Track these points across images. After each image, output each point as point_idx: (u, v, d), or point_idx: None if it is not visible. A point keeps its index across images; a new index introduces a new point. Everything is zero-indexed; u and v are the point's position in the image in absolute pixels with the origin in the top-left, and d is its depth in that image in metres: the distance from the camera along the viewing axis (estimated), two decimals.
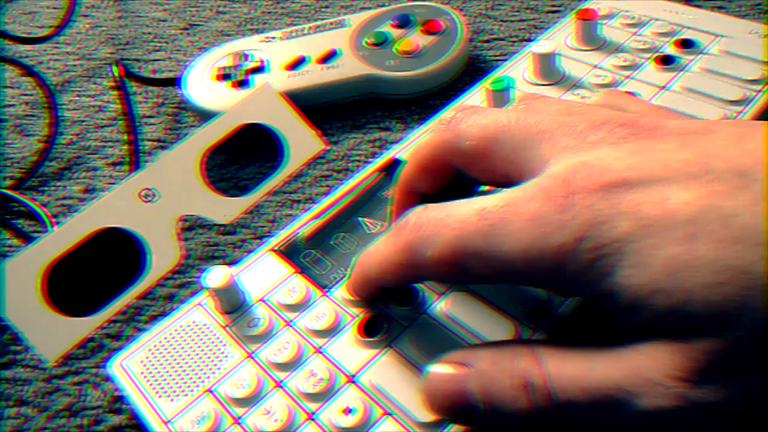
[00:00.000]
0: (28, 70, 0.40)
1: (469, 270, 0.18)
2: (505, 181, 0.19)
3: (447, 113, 0.21)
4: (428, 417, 0.20)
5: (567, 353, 0.17)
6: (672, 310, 0.15)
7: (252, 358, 0.23)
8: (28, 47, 0.47)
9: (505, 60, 0.34)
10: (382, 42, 0.37)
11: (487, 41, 0.40)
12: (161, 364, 0.23)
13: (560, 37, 0.34)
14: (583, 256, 0.16)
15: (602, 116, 0.19)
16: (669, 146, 0.17)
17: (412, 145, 0.30)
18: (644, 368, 0.16)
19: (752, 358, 0.15)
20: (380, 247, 0.21)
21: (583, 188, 0.17)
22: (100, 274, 0.25)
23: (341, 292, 0.24)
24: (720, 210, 0.15)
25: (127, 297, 0.24)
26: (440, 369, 0.19)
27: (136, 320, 0.28)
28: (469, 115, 0.21)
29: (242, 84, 0.36)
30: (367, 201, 0.27)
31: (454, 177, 0.22)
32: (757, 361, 0.15)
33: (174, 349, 0.23)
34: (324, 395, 0.21)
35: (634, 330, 0.17)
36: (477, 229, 0.18)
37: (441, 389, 0.19)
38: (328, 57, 0.37)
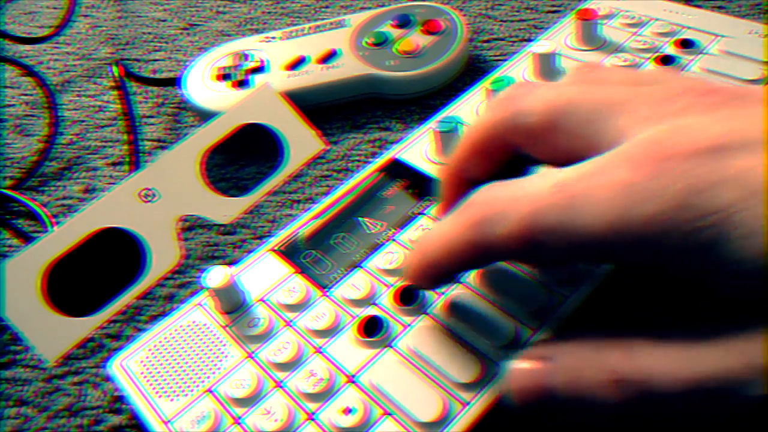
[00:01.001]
0: (28, 70, 0.40)
1: (544, 247, 0.17)
2: (569, 158, 0.18)
3: (503, 91, 0.20)
4: (428, 417, 0.20)
5: (661, 344, 0.16)
6: None
7: (252, 358, 0.23)
8: (28, 47, 0.47)
9: (505, 60, 0.34)
10: (382, 42, 0.37)
11: (487, 41, 0.40)
12: (161, 364, 0.23)
13: (560, 37, 0.34)
14: (681, 227, 0.15)
15: (679, 85, 0.18)
16: (761, 110, 0.16)
17: (413, 145, 0.30)
18: (755, 354, 0.15)
19: None
20: (445, 227, 0.19)
21: (677, 153, 0.15)
22: (100, 274, 0.25)
23: (340, 292, 0.24)
24: None
25: (127, 297, 0.24)
26: (522, 365, 0.18)
27: (136, 320, 0.28)
28: (530, 91, 0.19)
29: (242, 84, 0.36)
30: (367, 201, 0.27)
31: (509, 159, 0.20)
32: None
33: (174, 349, 0.23)
34: (324, 395, 0.21)
35: (739, 308, 0.16)
36: (555, 202, 0.16)
37: (524, 385, 0.18)
38: (328, 57, 0.37)
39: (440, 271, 0.20)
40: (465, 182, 0.21)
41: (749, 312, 0.16)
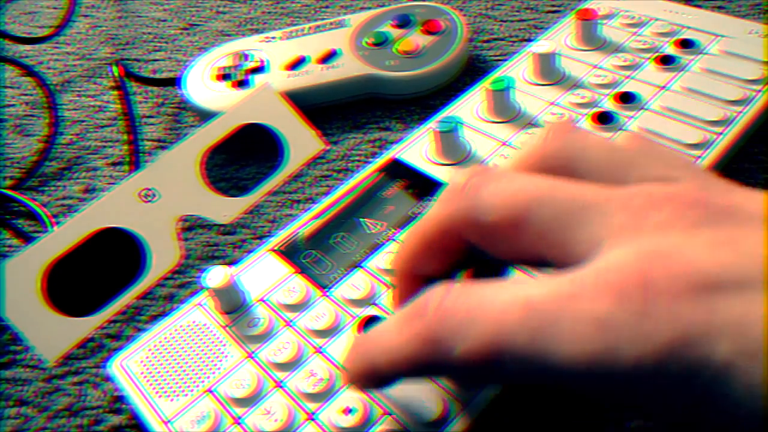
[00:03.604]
0: (28, 70, 0.40)
1: (506, 372, 0.15)
2: (533, 261, 0.17)
3: (459, 177, 0.18)
4: (429, 417, 0.20)
5: None
6: None
7: (252, 358, 0.23)
8: (28, 47, 0.47)
9: (505, 60, 0.34)
10: (382, 42, 0.37)
11: (487, 41, 0.40)
12: (161, 364, 0.23)
13: (560, 37, 0.34)
14: (671, 376, 0.13)
15: (659, 190, 0.16)
16: (758, 235, 0.14)
17: (413, 145, 0.30)
18: None
19: None
20: (392, 333, 0.17)
21: (666, 290, 0.14)
22: (100, 274, 0.25)
23: (340, 292, 0.24)
24: None
25: (127, 297, 0.24)
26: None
27: (136, 320, 0.28)
28: (490, 180, 0.17)
29: (242, 84, 0.36)
30: (367, 201, 0.27)
31: (468, 255, 0.18)
32: None
33: (174, 349, 0.23)
34: (324, 395, 0.21)
35: None
36: (522, 324, 0.14)
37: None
38: (328, 57, 0.37)
39: (382, 377, 0.18)
40: (418, 280, 0.19)
41: None
